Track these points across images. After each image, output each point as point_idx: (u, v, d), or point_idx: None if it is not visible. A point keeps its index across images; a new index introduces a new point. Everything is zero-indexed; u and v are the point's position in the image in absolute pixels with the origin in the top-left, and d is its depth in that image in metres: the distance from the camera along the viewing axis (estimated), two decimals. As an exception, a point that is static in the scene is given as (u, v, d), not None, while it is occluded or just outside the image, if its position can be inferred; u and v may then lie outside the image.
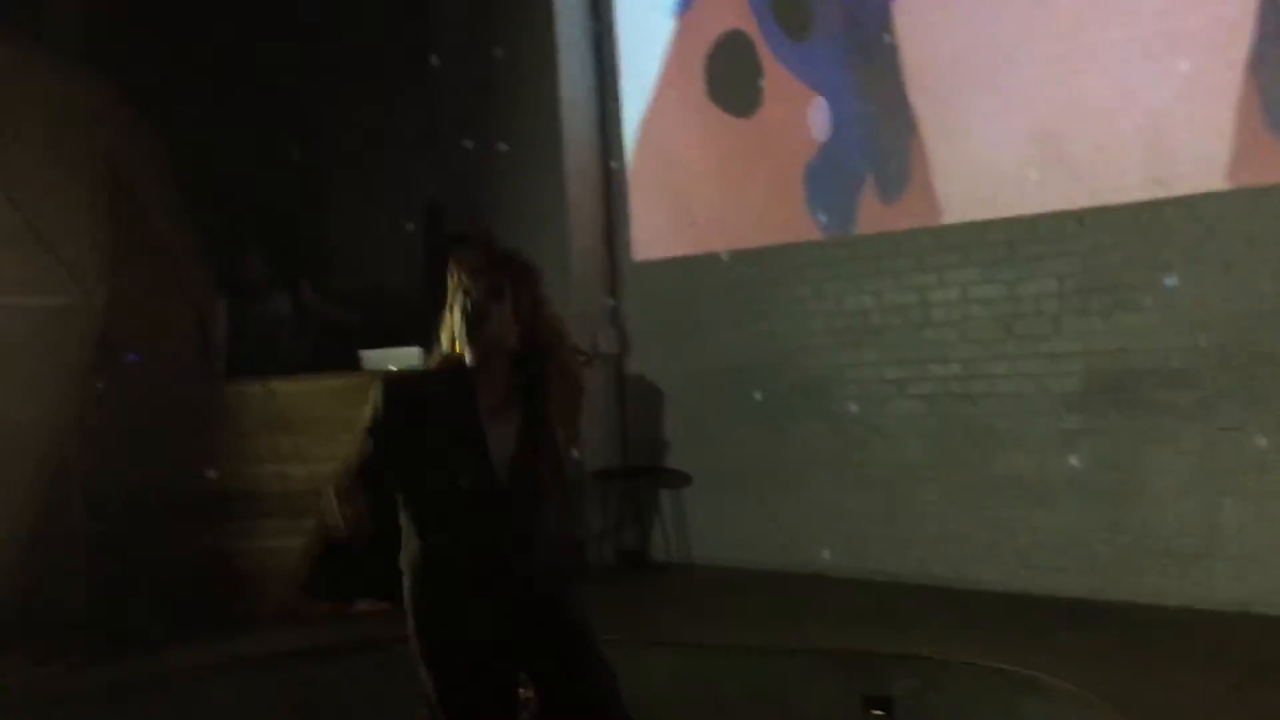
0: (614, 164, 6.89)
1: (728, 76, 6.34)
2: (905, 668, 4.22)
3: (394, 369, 2.80)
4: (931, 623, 4.97)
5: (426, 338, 7.30)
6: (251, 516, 5.59)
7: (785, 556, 6.11)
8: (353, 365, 6.19)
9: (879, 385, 5.82)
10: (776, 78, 6.15)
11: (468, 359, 2.62)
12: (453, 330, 2.62)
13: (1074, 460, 5.18)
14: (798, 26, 6.06)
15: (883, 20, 5.73)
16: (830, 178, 5.96)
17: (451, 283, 2.63)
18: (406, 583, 2.72)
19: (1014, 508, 5.36)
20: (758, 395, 6.20)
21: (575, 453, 2.78)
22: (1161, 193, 4.96)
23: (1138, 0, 4.94)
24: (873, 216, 5.83)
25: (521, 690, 2.75)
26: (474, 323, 2.57)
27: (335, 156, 7.75)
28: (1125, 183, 5.05)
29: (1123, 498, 5.08)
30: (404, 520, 2.70)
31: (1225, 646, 4.38)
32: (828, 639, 4.70)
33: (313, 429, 5.61)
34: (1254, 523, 4.74)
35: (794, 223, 6.09)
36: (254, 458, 5.63)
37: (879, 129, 5.79)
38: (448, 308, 2.63)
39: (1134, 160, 5.03)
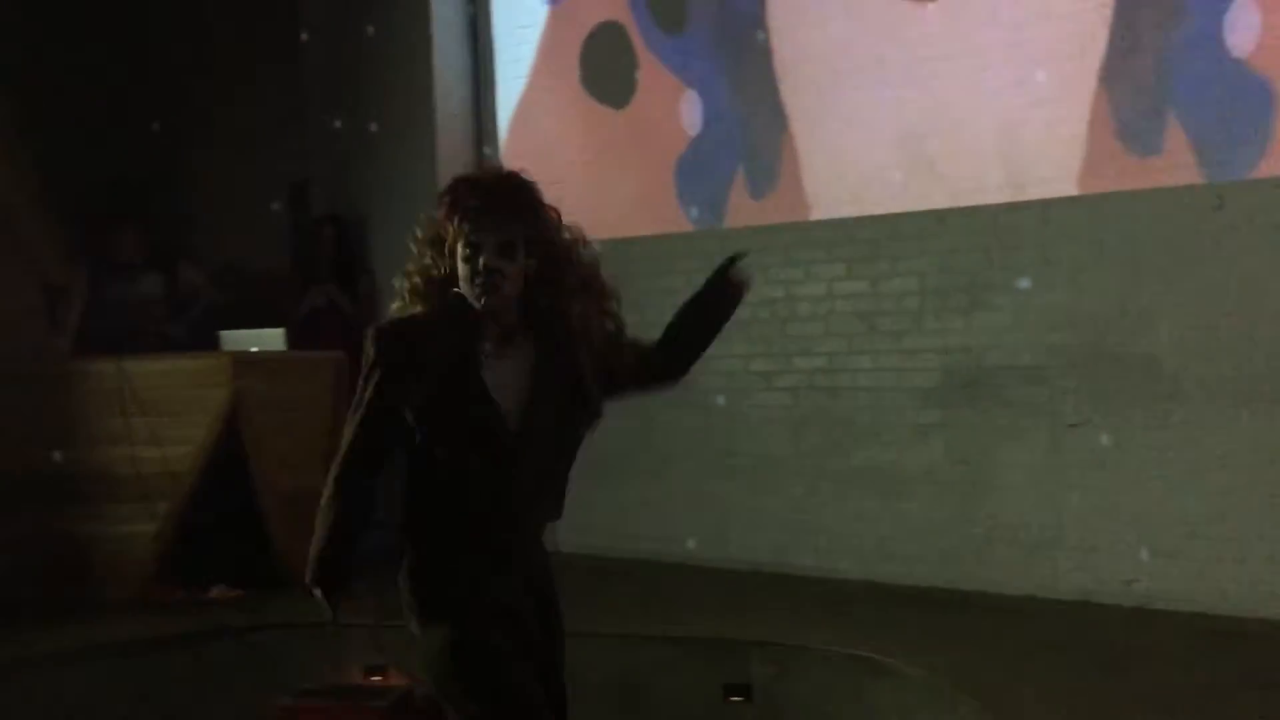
0: (487, 149, 6.83)
1: (602, 67, 6.35)
2: (765, 654, 4.30)
3: (396, 321, 2.38)
4: (792, 610, 5.08)
5: (291, 318, 7.17)
6: (101, 500, 5.38)
7: (651, 545, 6.16)
8: (211, 345, 6.03)
9: (746, 377, 5.91)
10: (650, 70, 6.18)
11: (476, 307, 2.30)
12: (448, 278, 2.30)
13: (930, 453, 5.35)
14: (672, 20, 6.10)
15: (756, 17, 5.81)
16: (701, 171, 6.02)
17: (451, 228, 2.30)
18: (409, 599, 2.37)
19: (873, 499, 5.51)
20: (626, 385, 6.22)
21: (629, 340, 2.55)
22: (1017, 197, 5.15)
23: (999, 10, 5.11)
24: (742, 211, 5.91)
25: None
26: (486, 289, 2.26)
27: (201, 131, 7.51)
28: (984, 185, 5.23)
29: (975, 490, 5.26)
30: (404, 515, 2.38)
31: (1067, 634, 4.58)
32: (690, 627, 4.76)
33: (168, 410, 5.44)
34: (1096, 516, 4.97)
35: (665, 214, 6.13)
36: (105, 439, 5.42)
37: (750, 124, 5.87)
38: (443, 251, 2.32)
39: (992, 164, 5.21)
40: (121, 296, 6.37)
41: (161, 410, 5.42)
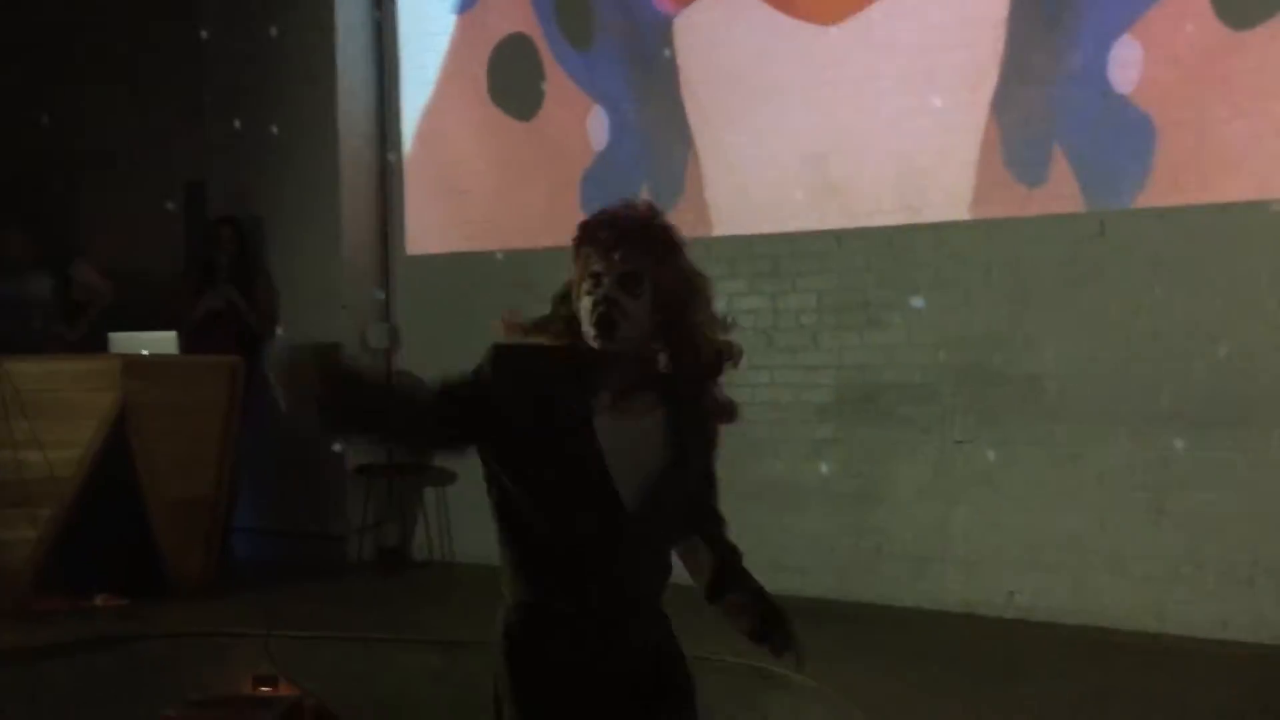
0: (391, 155, 6.78)
1: (509, 79, 6.36)
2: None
3: (514, 344, 2.13)
4: (687, 621, 5.12)
5: (180, 322, 7.00)
6: (-21, 505, 5.20)
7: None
8: (100, 347, 5.87)
9: (645, 390, 5.95)
10: (558, 84, 6.21)
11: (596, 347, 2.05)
12: (575, 318, 2.06)
13: (824, 467, 5.46)
14: (580, 35, 6.14)
15: (664, 35, 5.88)
16: (606, 185, 6.06)
17: (577, 261, 2.09)
18: (495, 653, 2.12)
19: (768, 511, 5.59)
20: (527, 395, 6.23)
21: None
22: (913, 219, 5.30)
23: (900, 37, 5.26)
24: (646, 225, 5.96)
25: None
26: (603, 322, 2.01)
27: (92, 126, 7.32)
28: (881, 207, 5.37)
29: (866, 504, 5.39)
30: (501, 561, 2.13)
31: (952, 645, 4.71)
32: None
33: (52, 413, 5.28)
34: (981, 530, 5.13)
35: (570, 227, 6.13)
36: (-15, 442, 5.24)
37: (656, 140, 5.93)
38: (573, 289, 2.07)
39: (889, 187, 5.35)
40: (8, 297, 6.17)
41: (46, 413, 5.25)
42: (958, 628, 4.96)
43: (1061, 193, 4.95)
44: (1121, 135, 4.80)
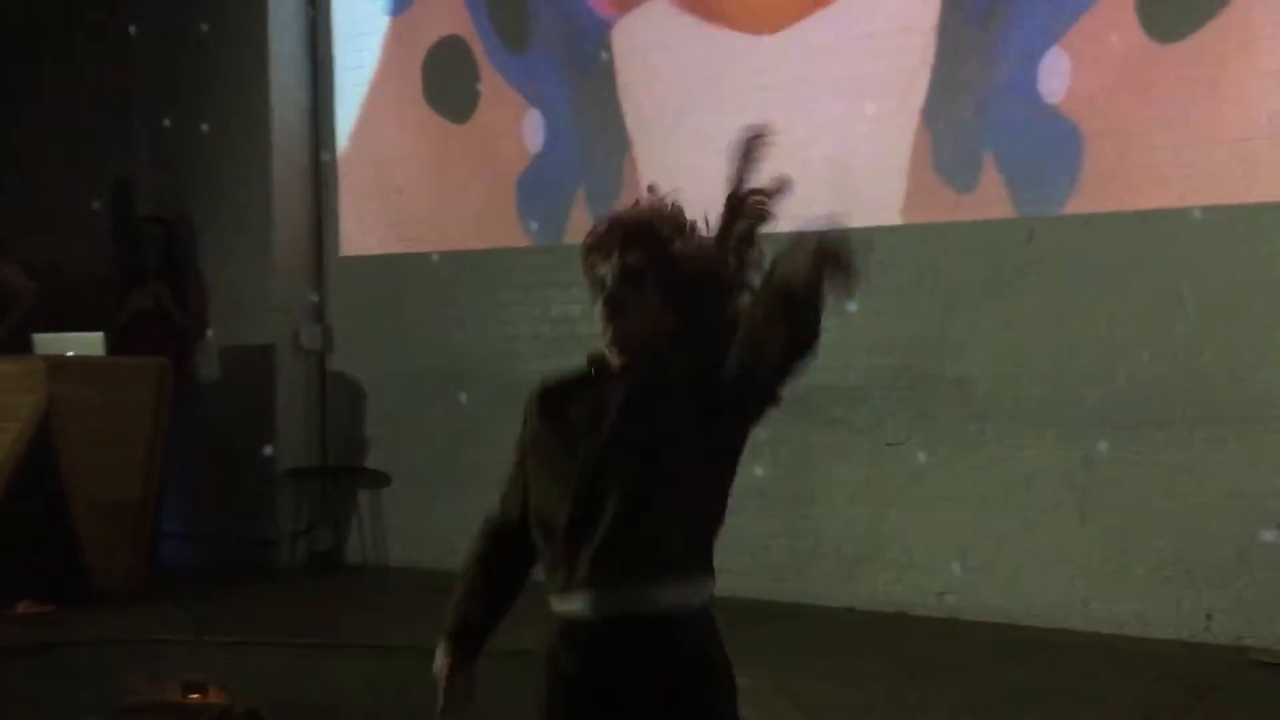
0: (324, 155, 6.71)
1: (444, 81, 6.33)
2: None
3: (548, 380, 2.05)
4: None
5: (113, 322, 6.88)
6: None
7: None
8: (24, 348, 5.74)
9: (581, 392, 5.96)
10: (493, 86, 6.19)
11: (613, 363, 1.94)
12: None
13: (758, 469, 5.50)
14: (516, 38, 6.13)
15: (601, 38, 5.89)
16: (542, 188, 6.06)
17: (587, 275, 1.98)
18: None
19: (703, 513, 5.62)
20: (463, 397, 6.20)
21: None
22: (845, 224, 5.35)
23: (832, 45, 5.32)
24: (583, 228, 5.95)
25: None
26: (605, 320, 1.91)
27: (16, 121, 7.15)
28: (813, 212, 5.41)
29: (800, 505, 5.44)
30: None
31: (884, 644, 4.77)
32: (520, 640, 4.77)
33: (-27, 417, 5.17)
34: (913, 531, 5.20)
35: (505, 229, 6.14)
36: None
37: (593, 143, 5.94)
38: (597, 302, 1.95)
39: (821, 191, 5.39)
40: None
41: (-34, 416, 5.14)
42: (890, 627, 5.02)
43: (991, 199, 5.04)
44: (1050, 144, 4.90)
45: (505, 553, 2.04)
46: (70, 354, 5.62)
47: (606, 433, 1.91)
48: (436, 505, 6.34)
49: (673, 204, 2.03)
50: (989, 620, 4.96)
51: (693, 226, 2.01)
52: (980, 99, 5.04)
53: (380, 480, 6.49)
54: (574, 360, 2.09)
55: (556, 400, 2.01)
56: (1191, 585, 4.65)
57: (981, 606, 5.02)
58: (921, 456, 5.16)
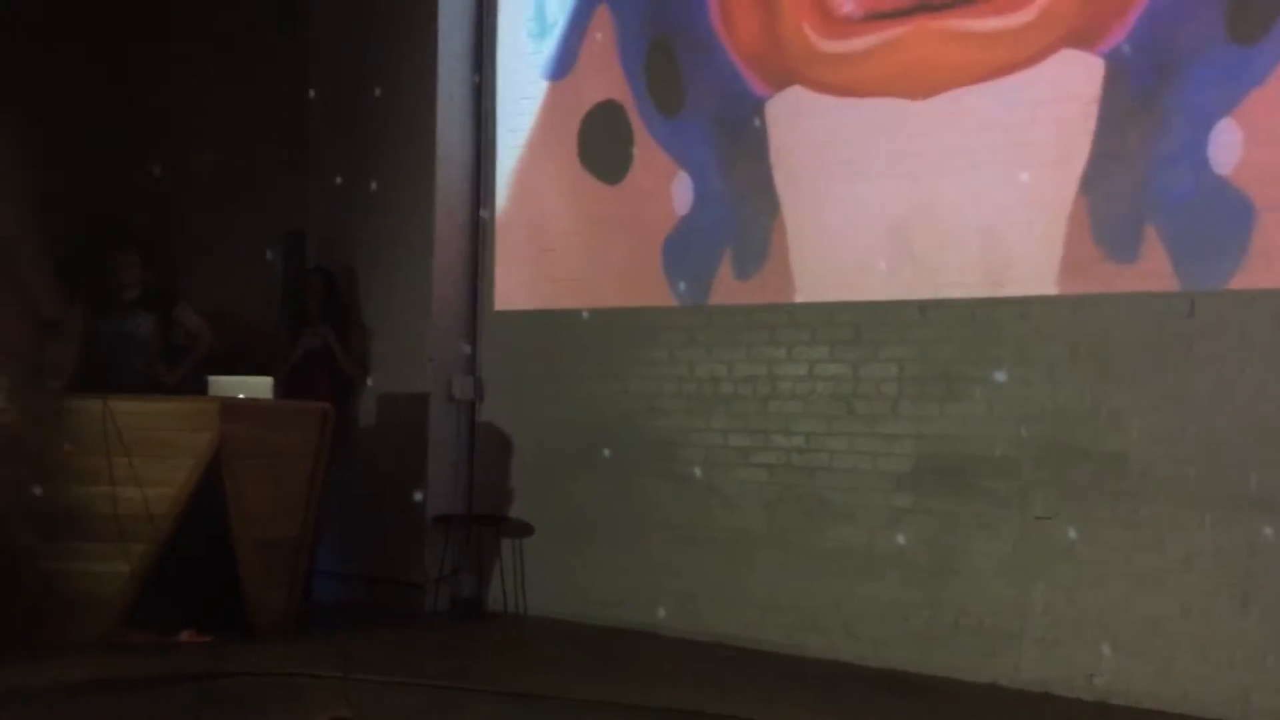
0: (483, 212, 6.96)
1: (599, 143, 6.51)
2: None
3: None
4: (756, 686, 5.11)
5: (280, 364, 7.22)
6: (77, 538, 5.39)
7: (621, 613, 6.19)
8: (197, 389, 6.07)
9: (724, 451, 5.99)
10: (646, 149, 6.34)
11: None
12: None
13: (900, 537, 5.42)
14: (670, 104, 6.27)
15: (754, 106, 5.99)
16: (689, 249, 6.16)
17: None
18: None
19: (842, 578, 5.57)
20: (607, 452, 6.30)
21: None
22: (996, 292, 5.29)
23: (988, 112, 5.29)
24: (727, 290, 6.03)
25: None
26: None
27: (198, 175, 7.63)
28: (964, 279, 5.37)
29: (943, 576, 5.33)
30: None
31: (1026, 724, 4.62)
32: (652, 696, 4.78)
33: (151, 452, 5.47)
34: (1060, 608, 5.04)
35: (653, 288, 6.25)
36: (86, 478, 5.44)
37: (741, 207, 6.01)
38: None
39: (973, 259, 5.35)
40: (113, 334, 6.41)
41: (145, 451, 5.44)
42: (1034, 706, 4.87)
43: (1152, 271, 4.91)
44: (1218, 216, 4.75)
45: None
46: (241, 396, 5.92)
47: None
48: (576, 558, 6.43)
49: None
50: (1141, 706, 4.76)
51: None
52: (1144, 169, 4.94)
53: (523, 530, 6.62)
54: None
55: None
56: (1363, 683, 4.38)
57: (1133, 692, 4.82)
58: (1071, 532, 5.01)
